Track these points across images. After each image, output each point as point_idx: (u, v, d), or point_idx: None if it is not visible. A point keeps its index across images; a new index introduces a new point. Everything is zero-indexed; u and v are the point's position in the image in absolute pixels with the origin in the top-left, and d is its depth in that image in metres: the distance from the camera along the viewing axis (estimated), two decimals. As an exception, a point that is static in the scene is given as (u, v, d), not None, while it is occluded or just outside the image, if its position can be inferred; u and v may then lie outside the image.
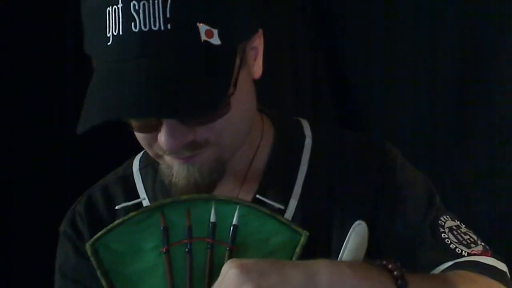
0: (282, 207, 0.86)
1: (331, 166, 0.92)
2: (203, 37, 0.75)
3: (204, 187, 0.83)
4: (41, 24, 1.65)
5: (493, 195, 1.62)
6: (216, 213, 0.81)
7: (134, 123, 0.81)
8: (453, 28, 1.64)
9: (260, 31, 0.85)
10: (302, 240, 0.81)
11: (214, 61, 0.76)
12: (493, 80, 1.62)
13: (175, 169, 0.83)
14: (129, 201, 0.91)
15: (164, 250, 0.81)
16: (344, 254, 0.81)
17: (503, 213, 1.61)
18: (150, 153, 0.86)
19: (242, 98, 0.81)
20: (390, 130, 1.70)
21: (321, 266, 0.72)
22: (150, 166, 0.95)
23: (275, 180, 0.91)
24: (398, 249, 0.87)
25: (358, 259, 0.80)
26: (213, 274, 0.79)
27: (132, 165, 0.98)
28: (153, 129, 0.80)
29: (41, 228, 1.57)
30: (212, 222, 0.81)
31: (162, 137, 0.79)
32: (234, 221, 0.81)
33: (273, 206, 0.84)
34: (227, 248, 0.80)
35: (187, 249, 0.81)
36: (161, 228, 0.81)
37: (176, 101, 0.74)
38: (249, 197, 0.89)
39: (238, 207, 0.81)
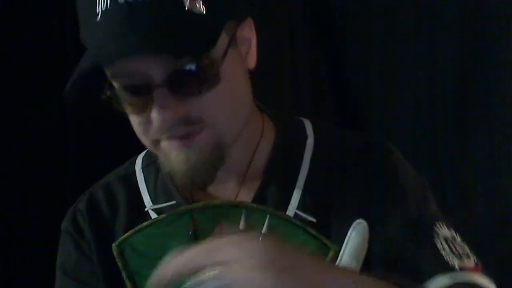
0: (314, 220, 0.86)
1: (333, 166, 0.92)
2: (187, 5, 0.77)
3: (205, 174, 0.83)
4: (41, 24, 1.65)
5: (493, 195, 1.62)
6: (245, 221, 0.80)
7: (126, 100, 0.81)
8: (453, 28, 1.64)
9: (250, 21, 0.86)
10: (331, 254, 0.80)
11: (197, 27, 0.77)
12: (493, 80, 1.62)
13: (173, 155, 0.82)
14: (131, 199, 0.91)
15: None
16: (345, 253, 0.81)
17: (503, 213, 1.61)
18: (147, 142, 0.85)
19: (234, 79, 0.82)
20: (390, 130, 1.70)
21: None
22: (153, 165, 0.95)
23: (277, 179, 0.91)
24: (391, 250, 0.86)
25: (358, 258, 0.80)
26: None
27: (135, 163, 0.98)
28: (145, 106, 0.80)
29: (41, 228, 1.57)
30: (241, 230, 0.80)
31: (153, 112, 0.79)
32: (264, 230, 0.80)
33: (305, 218, 0.85)
34: None
35: None
36: (190, 232, 0.80)
37: (155, 41, 0.75)
38: (250, 196, 0.89)
39: (268, 216, 0.80)
